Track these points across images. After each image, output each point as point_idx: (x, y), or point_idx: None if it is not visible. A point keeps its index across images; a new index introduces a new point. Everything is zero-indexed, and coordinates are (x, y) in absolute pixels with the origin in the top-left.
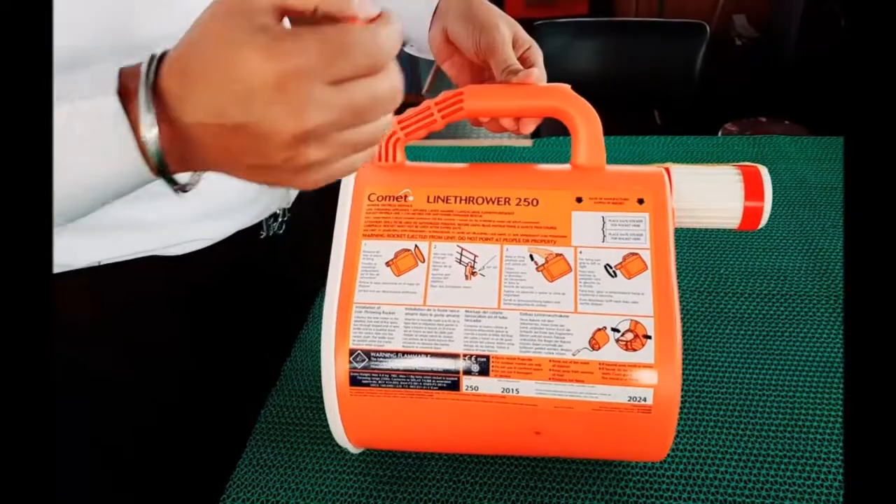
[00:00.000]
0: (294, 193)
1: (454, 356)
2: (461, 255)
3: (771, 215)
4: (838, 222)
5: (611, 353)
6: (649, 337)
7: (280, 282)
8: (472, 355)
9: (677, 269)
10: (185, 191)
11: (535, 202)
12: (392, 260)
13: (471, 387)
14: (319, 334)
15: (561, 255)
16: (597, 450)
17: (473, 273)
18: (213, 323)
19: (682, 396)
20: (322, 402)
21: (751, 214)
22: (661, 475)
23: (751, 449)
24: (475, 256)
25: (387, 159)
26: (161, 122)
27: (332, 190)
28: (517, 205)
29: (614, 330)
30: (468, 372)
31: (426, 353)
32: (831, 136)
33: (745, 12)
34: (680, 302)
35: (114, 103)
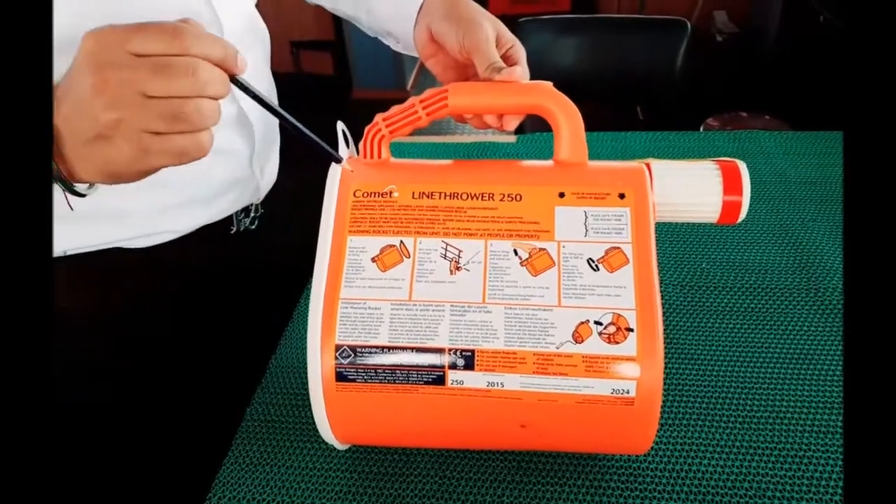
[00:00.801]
0: (265, 189)
1: (439, 350)
2: (446, 250)
3: (751, 209)
4: (818, 216)
5: (594, 346)
6: (631, 330)
7: (255, 278)
8: (457, 349)
9: (659, 262)
10: (77, 194)
11: (518, 197)
12: (377, 256)
13: (456, 381)
14: (304, 331)
15: (544, 249)
16: (582, 443)
17: (458, 268)
18: (188, 319)
19: (664, 389)
20: (308, 399)
21: (729, 208)
22: (644, 468)
23: (733, 441)
24: (460, 251)
25: (371, 156)
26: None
27: (307, 187)
28: (501, 200)
29: (597, 323)
30: (453, 366)
31: (412, 348)
32: (811, 132)
33: (725, 8)
34: (661, 295)
35: None
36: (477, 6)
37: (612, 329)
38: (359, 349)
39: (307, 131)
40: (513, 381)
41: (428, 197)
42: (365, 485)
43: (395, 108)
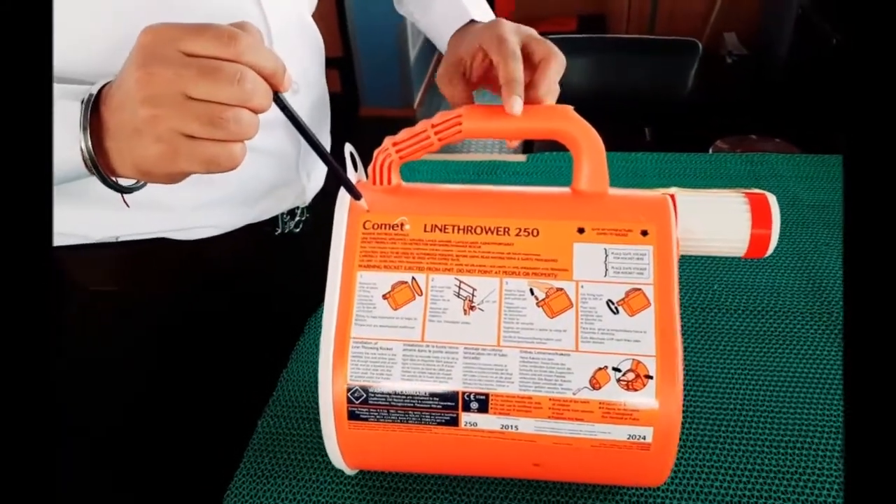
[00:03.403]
0: (311, 193)
1: (453, 394)
2: (459, 288)
3: (767, 255)
4: (830, 240)
5: (611, 392)
6: (651, 377)
7: (290, 282)
8: (471, 393)
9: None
10: (123, 191)
11: (535, 232)
12: (389, 293)
13: (470, 423)
14: (315, 345)
15: (562, 289)
16: (594, 478)
17: (472, 307)
18: (215, 317)
19: None
20: (318, 413)
21: (758, 243)
22: (655, 490)
23: (745, 464)
24: (474, 290)
25: (381, 181)
26: (95, 128)
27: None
28: (517, 235)
29: (615, 370)
30: (467, 408)
31: (425, 391)
32: (823, 155)
33: (735, 30)
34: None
35: (76, 108)
36: (505, 21)
37: (630, 376)
38: (371, 389)
39: (334, 162)
40: (527, 425)
41: (441, 230)
42: (375, 499)
43: (405, 132)
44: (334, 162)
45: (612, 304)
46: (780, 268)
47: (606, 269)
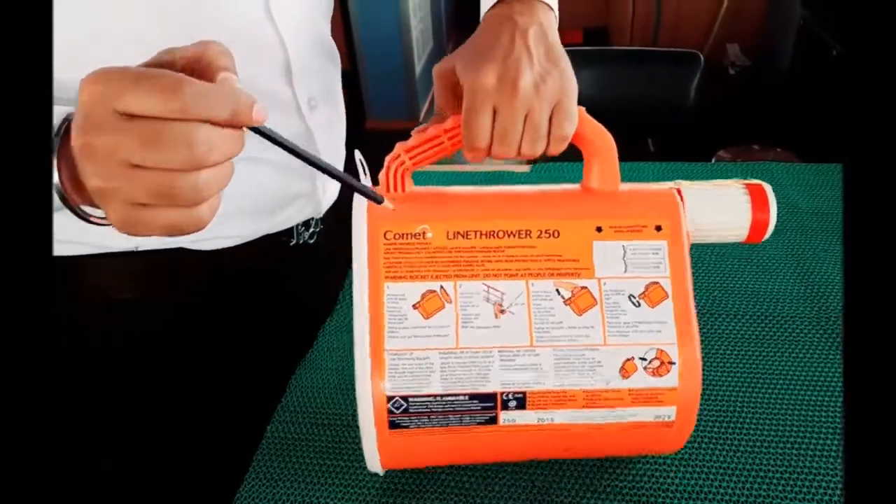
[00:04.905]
0: (326, 204)
1: (492, 395)
2: (488, 293)
3: (763, 240)
4: (830, 247)
5: (639, 380)
6: (674, 363)
7: (303, 290)
8: (509, 392)
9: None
10: (88, 221)
11: (556, 234)
12: (419, 303)
13: (508, 420)
14: (325, 352)
15: (586, 287)
16: (618, 453)
17: (502, 311)
18: (230, 326)
19: None
20: (327, 417)
21: (758, 227)
22: (657, 489)
23: (745, 465)
24: (502, 294)
25: (395, 189)
26: (63, 161)
27: None
28: (538, 237)
29: (642, 359)
30: (506, 407)
31: (464, 395)
32: (823, 164)
33: (737, 41)
34: None
35: None
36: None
37: (656, 364)
38: (411, 398)
39: (342, 174)
40: (563, 416)
41: (464, 237)
42: (384, 501)
43: (417, 138)
44: (342, 174)
45: (634, 298)
46: (780, 274)
47: (626, 266)
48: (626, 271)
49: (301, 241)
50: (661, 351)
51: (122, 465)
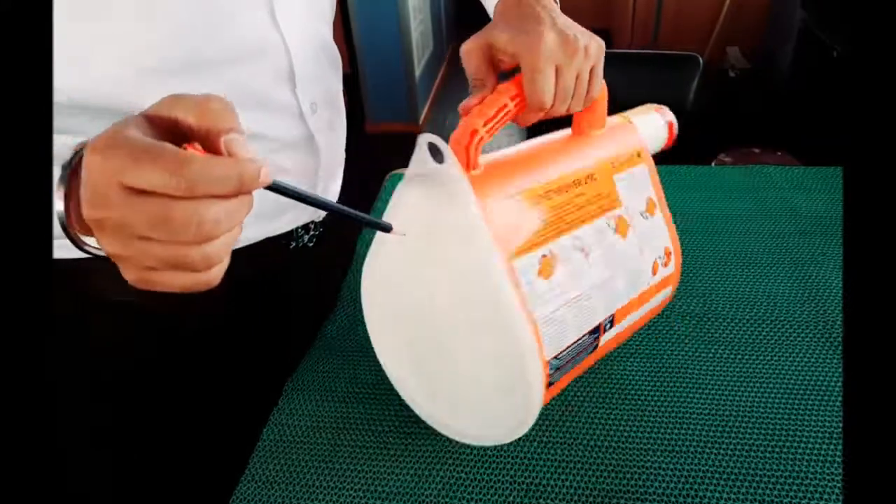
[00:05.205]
0: None
1: (597, 327)
2: (574, 241)
3: (761, 243)
4: (828, 250)
5: (659, 273)
6: (671, 253)
7: (301, 293)
8: (607, 319)
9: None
10: (85, 251)
11: (593, 178)
12: (540, 269)
13: (605, 340)
14: (324, 354)
15: (621, 215)
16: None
17: (587, 254)
18: (229, 328)
19: (671, 418)
20: (322, 420)
21: (672, 132)
22: (651, 494)
23: (742, 469)
24: (583, 239)
25: (475, 166)
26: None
27: (366, 209)
28: (585, 184)
29: (660, 258)
30: (605, 331)
31: (587, 333)
32: (822, 167)
33: (738, 44)
34: (671, 326)
35: (56, 171)
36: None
37: (665, 258)
38: (559, 356)
39: (353, 212)
40: (628, 320)
41: (546, 198)
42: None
43: (483, 108)
44: (352, 212)
45: (643, 213)
46: (779, 277)
47: (632, 191)
48: (634, 195)
49: (301, 245)
50: (666, 248)
51: (119, 465)
